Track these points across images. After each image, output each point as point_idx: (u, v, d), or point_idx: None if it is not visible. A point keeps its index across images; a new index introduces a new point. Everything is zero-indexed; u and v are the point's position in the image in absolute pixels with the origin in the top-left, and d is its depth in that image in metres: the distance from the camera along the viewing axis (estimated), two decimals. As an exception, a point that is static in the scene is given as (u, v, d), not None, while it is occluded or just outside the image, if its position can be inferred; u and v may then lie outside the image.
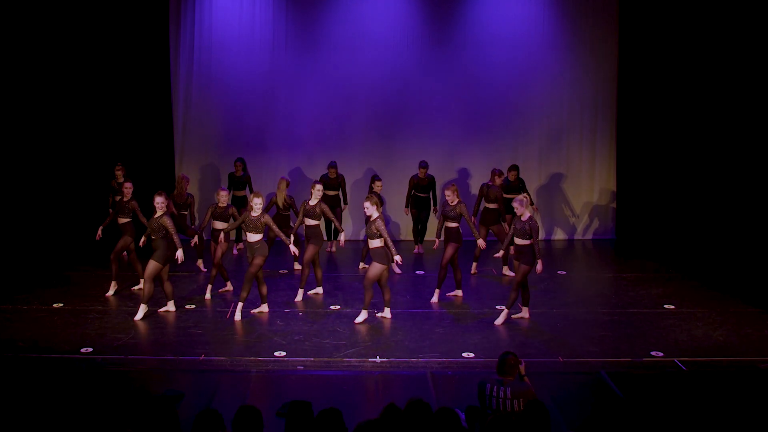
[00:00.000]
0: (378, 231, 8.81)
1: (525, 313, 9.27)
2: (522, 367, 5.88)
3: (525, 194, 9.06)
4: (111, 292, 10.08)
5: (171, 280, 10.60)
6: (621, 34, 13.27)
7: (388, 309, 9.25)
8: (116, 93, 12.73)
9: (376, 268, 8.92)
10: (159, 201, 9.17)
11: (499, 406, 5.54)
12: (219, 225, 10.02)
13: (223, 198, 10.07)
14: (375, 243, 8.89)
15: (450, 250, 9.76)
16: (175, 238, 9.09)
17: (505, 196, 11.67)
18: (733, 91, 11.63)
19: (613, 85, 13.49)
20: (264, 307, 9.40)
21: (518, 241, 8.95)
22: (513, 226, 8.98)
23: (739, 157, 11.52)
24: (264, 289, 9.35)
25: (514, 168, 12.09)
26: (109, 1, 12.48)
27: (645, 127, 13.17)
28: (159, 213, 9.16)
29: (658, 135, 13.06)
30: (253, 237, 9.12)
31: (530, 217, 8.87)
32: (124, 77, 12.73)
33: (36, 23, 11.70)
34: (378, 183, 11.46)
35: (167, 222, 9.09)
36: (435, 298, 9.95)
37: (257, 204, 9.10)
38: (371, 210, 8.92)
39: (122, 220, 10.15)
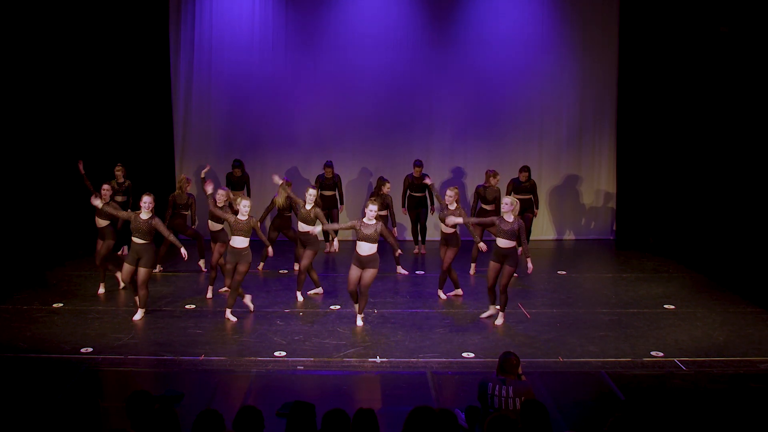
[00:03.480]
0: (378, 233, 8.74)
1: (491, 310, 9.23)
2: (520, 367, 5.91)
3: (515, 198, 8.96)
4: (101, 290, 10.11)
5: (171, 280, 10.62)
6: (621, 35, 13.27)
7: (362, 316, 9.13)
8: (116, 93, 12.73)
9: (372, 274, 8.86)
10: (146, 201, 8.97)
11: (501, 405, 5.56)
12: (214, 226, 9.99)
13: (221, 197, 10.00)
14: (372, 248, 8.81)
15: (451, 254, 9.78)
16: (172, 239, 9.05)
17: (516, 197, 11.63)
18: (733, 92, 11.63)
19: (614, 85, 13.49)
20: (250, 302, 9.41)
21: (506, 243, 8.81)
22: (498, 227, 8.79)
23: (739, 158, 11.51)
24: (247, 298, 9.36)
25: (525, 169, 12.08)
26: (109, 1, 12.48)
27: (645, 128, 13.17)
28: (148, 215, 8.95)
29: (658, 135, 13.06)
30: (241, 243, 8.94)
31: (516, 218, 8.78)
32: (124, 77, 12.73)
33: (36, 23, 11.70)
34: (387, 185, 11.41)
35: (160, 225, 8.98)
36: (442, 295, 9.98)
37: (245, 207, 8.92)
38: (373, 214, 8.82)
39: (102, 223, 10.03)
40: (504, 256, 8.80)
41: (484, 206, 11.23)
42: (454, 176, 13.60)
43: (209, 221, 10.04)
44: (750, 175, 11.26)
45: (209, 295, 9.99)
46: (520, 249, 9.14)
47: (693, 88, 12.48)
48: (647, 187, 13.24)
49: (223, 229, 9.98)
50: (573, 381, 7.56)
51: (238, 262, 8.94)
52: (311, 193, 9.72)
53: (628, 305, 9.88)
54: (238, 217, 8.96)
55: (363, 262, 8.76)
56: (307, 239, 9.77)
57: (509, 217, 8.74)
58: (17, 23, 11.45)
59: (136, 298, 9.19)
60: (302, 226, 9.73)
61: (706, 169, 12.27)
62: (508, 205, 8.75)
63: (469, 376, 7.44)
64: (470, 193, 13.58)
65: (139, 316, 9.11)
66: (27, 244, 11.47)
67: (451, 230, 9.76)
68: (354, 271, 8.76)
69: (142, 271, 8.99)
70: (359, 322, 8.99)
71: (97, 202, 9.59)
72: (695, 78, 12.42)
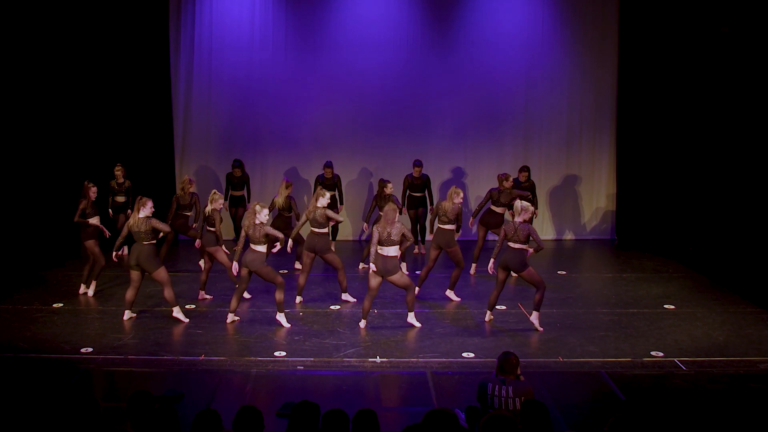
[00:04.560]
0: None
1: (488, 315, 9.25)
2: (519, 368, 5.90)
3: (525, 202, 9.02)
4: (90, 291, 10.06)
5: (171, 280, 10.58)
6: (621, 35, 13.27)
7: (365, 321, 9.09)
8: (116, 93, 12.73)
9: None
10: (149, 206, 9.00)
11: (501, 406, 5.55)
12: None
13: (220, 204, 9.93)
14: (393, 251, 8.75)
15: (458, 250, 9.80)
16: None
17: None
18: (733, 92, 11.62)
19: (614, 85, 13.49)
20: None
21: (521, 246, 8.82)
22: (515, 231, 8.74)
23: (739, 158, 11.51)
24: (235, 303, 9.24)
25: (525, 169, 12.08)
26: (109, 1, 12.48)
27: (645, 127, 13.17)
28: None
29: (658, 135, 13.06)
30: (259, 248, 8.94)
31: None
32: (124, 77, 12.73)
33: (36, 23, 11.69)
34: (389, 185, 11.39)
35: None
36: (455, 297, 10.02)
37: (265, 215, 8.82)
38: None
39: (96, 222, 10.01)
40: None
41: (495, 208, 11.19)
42: (453, 176, 13.60)
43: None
44: (750, 175, 11.25)
45: (208, 296, 10.00)
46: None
47: (693, 88, 12.47)
48: (647, 187, 13.23)
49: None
50: (573, 381, 7.56)
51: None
52: (328, 197, 9.67)
53: (628, 305, 9.88)
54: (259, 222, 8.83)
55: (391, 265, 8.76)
56: (325, 243, 9.68)
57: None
58: (17, 23, 11.44)
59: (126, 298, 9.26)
60: (318, 230, 9.64)
61: (706, 169, 12.26)
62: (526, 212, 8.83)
63: (469, 376, 7.44)
64: (470, 193, 13.60)
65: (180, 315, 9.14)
66: (27, 244, 11.45)
67: (451, 227, 9.77)
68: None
69: (162, 272, 9.05)
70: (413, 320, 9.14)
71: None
72: (695, 78, 12.42)
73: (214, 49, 13.23)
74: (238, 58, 13.25)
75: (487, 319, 9.16)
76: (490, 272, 9.00)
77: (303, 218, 9.78)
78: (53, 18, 11.93)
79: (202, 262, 11.32)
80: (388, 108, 13.44)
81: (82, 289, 10.10)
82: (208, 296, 10.02)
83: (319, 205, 9.60)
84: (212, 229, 9.81)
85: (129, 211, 11.61)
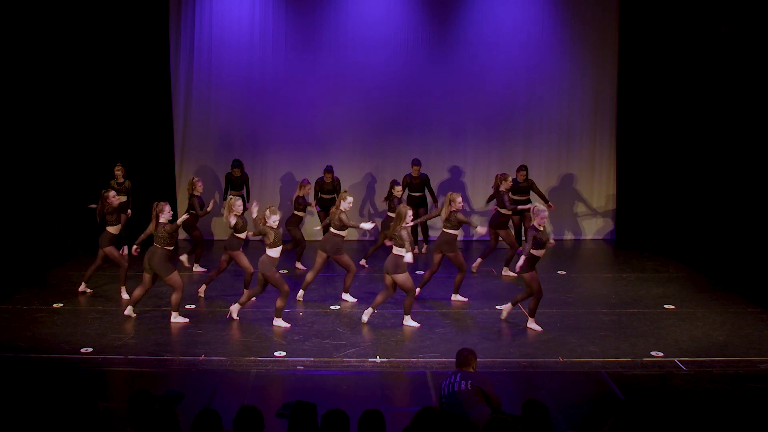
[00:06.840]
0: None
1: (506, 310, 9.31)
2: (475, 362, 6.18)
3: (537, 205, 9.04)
4: (124, 295, 9.99)
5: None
6: (621, 35, 13.27)
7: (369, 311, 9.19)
8: (116, 93, 12.73)
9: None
10: (167, 210, 9.04)
11: (451, 389, 5.82)
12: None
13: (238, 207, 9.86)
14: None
15: (459, 254, 9.80)
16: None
17: (513, 197, 11.60)
18: (733, 92, 11.62)
19: (614, 84, 13.49)
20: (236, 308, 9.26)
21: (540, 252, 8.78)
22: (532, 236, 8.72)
23: (739, 158, 11.51)
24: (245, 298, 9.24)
25: (523, 168, 12.08)
26: (109, 1, 12.49)
27: (645, 127, 13.18)
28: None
29: (658, 135, 13.06)
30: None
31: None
32: (124, 77, 12.73)
33: (36, 23, 11.69)
34: (397, 188, 11.39)
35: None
36: (461, 299, 10.02)
37: (274, 221, 8.76)
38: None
39: (115, 230, 9.99)
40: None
41: (500, 209, 11.19)
42: (452, 176, 13.60)
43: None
44: (750, 175, 11.25)
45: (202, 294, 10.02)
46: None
47: (693, 88, 12.47)
48: (647, 187, 13.23)
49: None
50: (573, 381, 7.56)
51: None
52: (350, 201, 9.70)
53: (628, 305, 9.88)
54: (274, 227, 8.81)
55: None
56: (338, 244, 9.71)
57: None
58: (18, 24, 11.43)
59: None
60: (334, 230, 9.68)
61: (706, 169, 12.26)
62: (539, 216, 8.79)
63: (469, 376, 7.43)
64: (470, 192, 13.61)
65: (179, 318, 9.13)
66: (27, 243, 11.45)
67: (455, 232, 9.76)
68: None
69: (176, 274, 9.09)
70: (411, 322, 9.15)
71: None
72: (695, 78, 12.42)
73: (214, 49, 13.23)
74: (238, 58, 13.24)
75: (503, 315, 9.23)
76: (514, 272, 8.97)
77: (327, 218, 9.81)
78: (54, 19, 11.92)
79: (196, 266, 11.32)
80: (388, 107, 13.44)
81: (82, 287, 10.10)
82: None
83: (341, 208, 9.63)
84: (240, 235, 9.72)
85: (129, 211, 11.61)
